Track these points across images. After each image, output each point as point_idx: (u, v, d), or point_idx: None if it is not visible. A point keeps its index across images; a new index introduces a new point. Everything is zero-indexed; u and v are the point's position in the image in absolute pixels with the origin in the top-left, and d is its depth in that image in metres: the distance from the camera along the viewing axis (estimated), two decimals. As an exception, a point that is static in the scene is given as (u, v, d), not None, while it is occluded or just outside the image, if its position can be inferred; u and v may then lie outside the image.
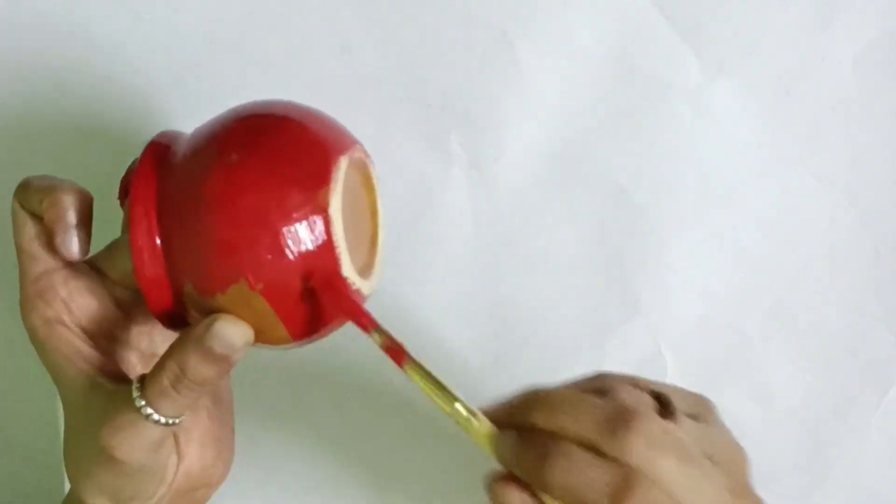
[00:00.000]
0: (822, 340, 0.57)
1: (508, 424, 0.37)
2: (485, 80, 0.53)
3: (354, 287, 0.39)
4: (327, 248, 0.37)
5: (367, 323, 0.39)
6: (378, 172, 0.42)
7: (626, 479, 0.35)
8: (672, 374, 0.57)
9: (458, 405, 0.38)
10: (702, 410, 0.41)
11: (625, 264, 0.56)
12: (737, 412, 0.58)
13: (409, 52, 0.53)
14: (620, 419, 0.36)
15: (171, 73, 0.53)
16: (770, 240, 0.55)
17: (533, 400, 0.38)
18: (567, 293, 0.56)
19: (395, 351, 0.39)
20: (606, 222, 0.55)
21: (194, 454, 0.41)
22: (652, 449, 0.35)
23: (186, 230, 0.37)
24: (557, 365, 0.57)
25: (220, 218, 0.36)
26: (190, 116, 0.54)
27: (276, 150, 0.38)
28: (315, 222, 0.37)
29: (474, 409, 0.38)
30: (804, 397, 0.57)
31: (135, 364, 0.42)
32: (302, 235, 0.37)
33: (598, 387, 0.39)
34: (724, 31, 0.53)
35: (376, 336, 0.39)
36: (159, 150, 0.39)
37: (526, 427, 0.37)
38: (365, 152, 0.42)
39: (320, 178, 0.38)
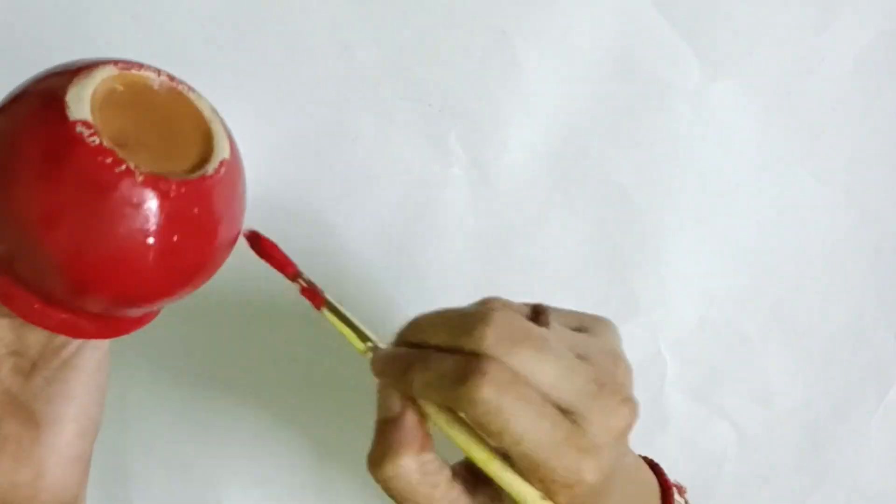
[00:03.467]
0: (822, 340, 0.57)
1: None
2: (485, 80, 0.53)
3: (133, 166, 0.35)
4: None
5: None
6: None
7: (473, 362, 0.36)
8: (672, 374, 0.57)
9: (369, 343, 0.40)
10: (591, 326, 0.42)
11: (625, 264, 0.56)
12: (737, 412, 0.58)
13: (409, 52, 0.53)
14: (477, 317, 0.37)
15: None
16: (770, 240, 0.55)
17: (407, 323, 0.39)
18: (567, 293, 0.56)
19: (315, 294, 0.40)
20: (606, 222, 0.55)
21: (5, 467, 0.40)
22: (504, 339, 0.36)
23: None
24: (557, 365, 0.57)
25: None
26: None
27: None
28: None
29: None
30: (804, 397, 0.57)
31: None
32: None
33: (474, 304, 0.41)
34: (724, 31, 0.53)
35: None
36: None
37: (402, 345, 0.39)
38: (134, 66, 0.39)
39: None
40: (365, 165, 0.54)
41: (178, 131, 0.38)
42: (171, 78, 0.39)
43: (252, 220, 0.55)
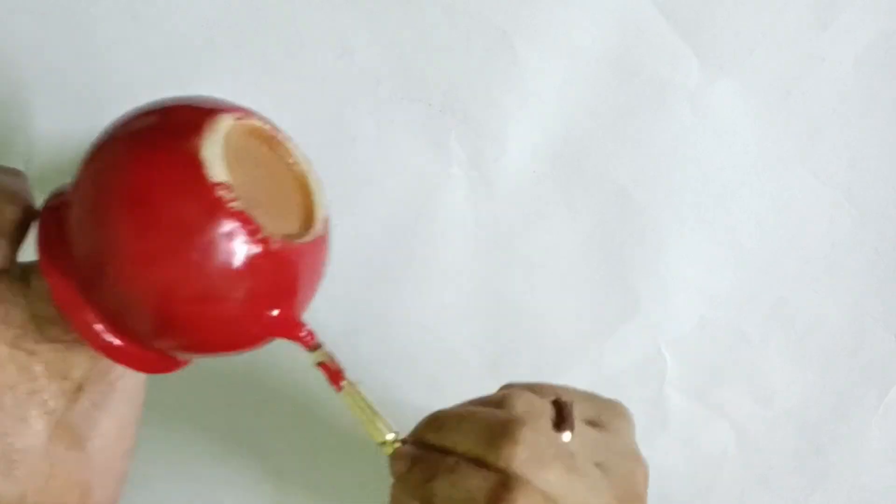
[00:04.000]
0: (822, 340, 0.57)
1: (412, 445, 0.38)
2: (485, 80, 0.53)
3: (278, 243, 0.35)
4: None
5: (308, 341, 0.37)
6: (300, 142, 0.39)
7: (505, 483, 0.35)
8: (672, 374, 0.57)
9: (388, 435, 0.38)
10: (607, 418, 0.41)
11: (625, 264, 0.56)
12: (737, 412, 0.58)
13: (409, 52, 0.53)
14: (503, 430, 0.36)
15: (171, 74, 0.53)
16: (770, 240, 0.55)
17: (429, 419, 0.38)
18: (567, 293, 0.56)
19: (334, 372, 0.38)
20: (606, 222, 0.55)
21: (55, 490, 0.40)
22: (534, 459, 0.35)
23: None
24: (557, 365, 0.57)
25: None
26: (190, 116, 0.54)
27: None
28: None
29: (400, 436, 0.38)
30: (804, 397, 0.57)
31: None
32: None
33: (497, 399, 0.39)
34: (724, 31, 0.53)
35: (317, 354, 0.37)
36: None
37: (424, 447, 0.38)
38: (258, 117, 0.37)
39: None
40: (365, 165, 0.54)
41: (282, 186, 0.37)
42: (274, 127, 0.38)
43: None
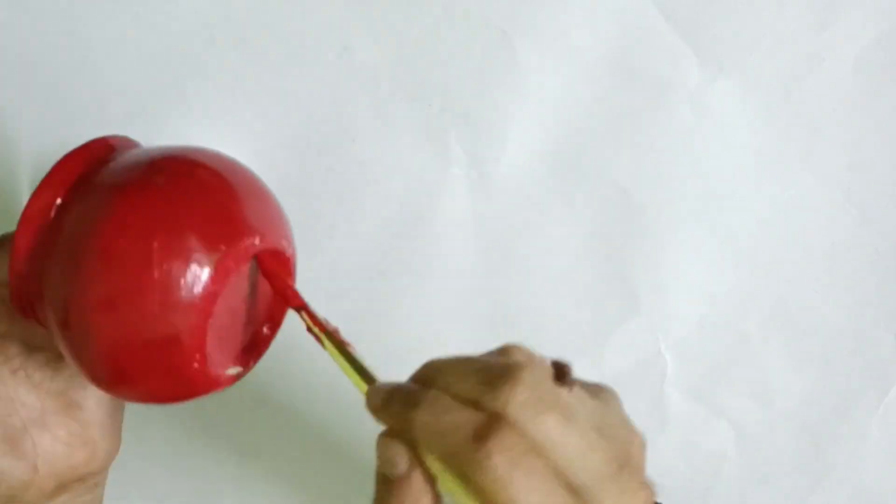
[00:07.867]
0: (822, 340, 0.57)
1: None
2: (485, 80, 0.53)
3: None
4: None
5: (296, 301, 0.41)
6: None
7: (492, 421, 0.33)
8: (672, 374, 0.57)
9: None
10: (602, 394, 0.39)
11: (625, 264, 0.56)
12: (737, 412, 0.58)
13: (409, 52, 0.53)
14: (504, 373, 0.34)
15: (171, 74, 0.53)
16: (770, 240, 0.55)
17: (424, 366, 0.37)
18: (567, 293, 0.56)
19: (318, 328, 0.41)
20: (606, 222, 0.55)
21: (61, 453, 0.42)
22: (533, 403, 0.33)
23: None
24: (557, 365, 0.57)
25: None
26: (190, 117, 0.54)
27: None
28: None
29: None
30: (804, 397, 0.57)
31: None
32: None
33: (495, 351, 0.38)
34: (724, 31, 0.53)
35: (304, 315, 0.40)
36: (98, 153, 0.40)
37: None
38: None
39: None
40: (365, 165, 0.54)
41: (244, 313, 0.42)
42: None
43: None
